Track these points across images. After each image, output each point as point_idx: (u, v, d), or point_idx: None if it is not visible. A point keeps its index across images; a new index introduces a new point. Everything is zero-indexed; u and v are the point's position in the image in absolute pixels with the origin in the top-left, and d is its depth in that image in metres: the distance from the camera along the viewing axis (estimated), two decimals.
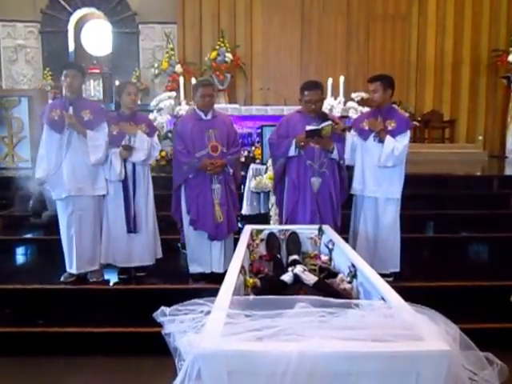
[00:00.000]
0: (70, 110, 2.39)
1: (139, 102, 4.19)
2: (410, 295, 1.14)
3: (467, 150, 5.69)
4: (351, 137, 2.53)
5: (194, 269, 2.56)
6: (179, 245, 2.88)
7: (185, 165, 2.43)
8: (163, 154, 4.10)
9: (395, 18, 6.37)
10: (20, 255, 3.13)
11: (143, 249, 2.53)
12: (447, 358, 0.87)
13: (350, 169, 2.62)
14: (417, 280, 2.52)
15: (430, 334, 0.91)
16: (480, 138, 6.43)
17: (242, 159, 3.47)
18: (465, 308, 2.20)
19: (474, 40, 6.35)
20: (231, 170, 2.49)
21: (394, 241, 2.53)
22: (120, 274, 2.58)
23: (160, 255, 2.64)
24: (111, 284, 2.53)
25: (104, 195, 2.52)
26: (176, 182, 2.52)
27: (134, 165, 2.49)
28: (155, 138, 2.58)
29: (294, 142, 2.40)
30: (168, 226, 2.78)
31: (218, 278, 1.32)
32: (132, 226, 2.48)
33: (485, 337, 1.23)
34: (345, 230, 2.52)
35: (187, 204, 2.48)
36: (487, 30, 6.34)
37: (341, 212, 2.51)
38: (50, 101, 4.85)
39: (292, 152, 2.41)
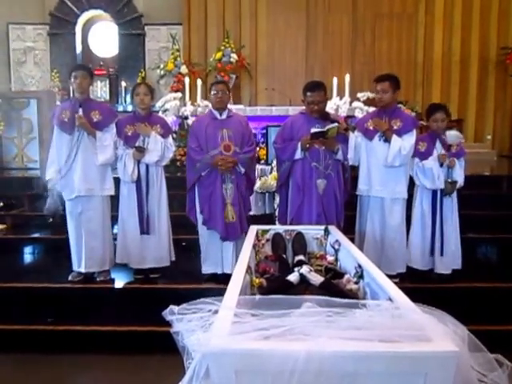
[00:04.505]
0: (80, 111, 2.42)
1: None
2: (417, 296, 1.13)
3: (475, 149, 5.58)
4: (354, 137, 2.52)
5: (206, 269, 2.57)
6: (183, 244, 2.89)
7: (198, 162, 2.45)
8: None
9: (401, 16, 6.30)
10: (29, 254, 3.18)
11: (157, 250, 2.53)
12: (456, 358, 0.86)
13: (354, 169, 2.61)
14: (424, 281, 2.50)
15: (438, 334, 0.91)
16: (489, 137, 6.32)
17: None
18: (473, 309, 2.18)
19: (483, 38, 6.24)
20: (242, 169, 2.48)
21: (400, 241, 2.51)
22: (136, 274, 2.59)
23: (173, 257, 2.63)
24: (124, 283, 2.53)
25: (112, 195, 2.54)
26: (190, 181, 2.53)
27: (147, 166, 2.49)
28: (169, 139, 2.58)
29: (299, 144, 2.39)
30: (174, 226, 2.78)
31: (228, 279, 1.33)
32: (145, 228, 2.48)
33: (494, 338, 1.23)
34: (349, 230, 2.51)
35: (200, 203, 2.49)
36: (496, 28, 6.21)
37: (344, 213, 2.50)
38: (57, 102, 4.91)
39: (298, 155, 2.41)
